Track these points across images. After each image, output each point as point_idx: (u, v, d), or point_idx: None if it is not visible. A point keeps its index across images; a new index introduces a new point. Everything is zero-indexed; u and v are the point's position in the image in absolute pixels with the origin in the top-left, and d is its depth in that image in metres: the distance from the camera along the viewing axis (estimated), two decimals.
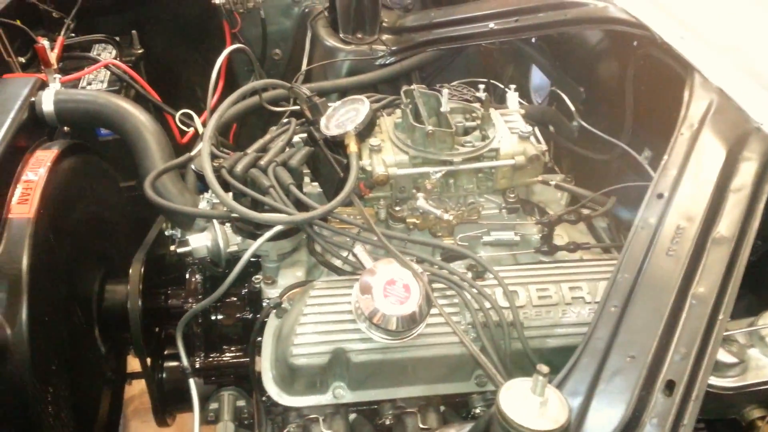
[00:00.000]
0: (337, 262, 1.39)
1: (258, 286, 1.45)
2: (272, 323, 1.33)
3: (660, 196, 1.15)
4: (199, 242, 1.42)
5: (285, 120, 1.60)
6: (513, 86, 1.70)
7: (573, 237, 1.51)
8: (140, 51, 2.12)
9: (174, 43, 2.34)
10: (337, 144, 1.44)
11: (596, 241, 1.53)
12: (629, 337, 0.97)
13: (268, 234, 1.33)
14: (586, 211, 1.49)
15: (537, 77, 2.14)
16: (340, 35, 2.08)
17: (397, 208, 1.44)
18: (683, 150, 1.22)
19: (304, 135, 1.55)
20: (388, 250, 1.23)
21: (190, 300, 1.52)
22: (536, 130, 1.49)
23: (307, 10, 2.23)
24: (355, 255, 1.25)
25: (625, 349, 0.95)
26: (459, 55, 2.04)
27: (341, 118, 1.47)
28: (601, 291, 1.32)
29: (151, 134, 1.57)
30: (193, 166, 1.65)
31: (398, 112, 1.52)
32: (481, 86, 1.58)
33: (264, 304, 1.40)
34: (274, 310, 1.34)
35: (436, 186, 1.39)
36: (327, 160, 1.43)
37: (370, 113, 1.43)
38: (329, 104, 1.52)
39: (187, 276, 1.55)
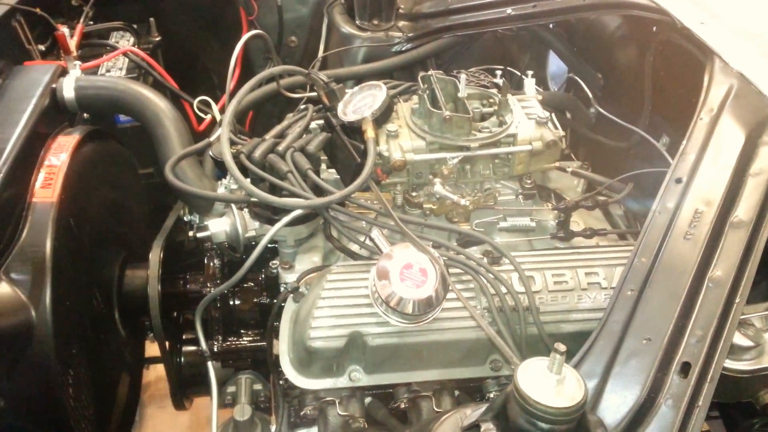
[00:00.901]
0: (354, 247, 1.40)
1: (275, 271, 1.47)
2: (290, 307, 1.34)
3: (678, 180, 1.15)
4: (218, 227, 1.44)
5: (302, 106, 1.61)
6: (530, 72, 1.70)
7: (589, 223, 1.51)
8: (158, 38, 2.13)
9: (191, 31, 2.36)
10: (354, 130, 1.45)
11: (612, 228, 1.53)
12: (645, 319, 0.97)
13: (285, 219, 1.34)
14: (602, 198, 1.48)
15: (554, 64, 2.13)
16: (357, 22, 2.08)
17: (414, 194, 1.45)
18: (702, 135, 1.21)
19: (321, 121, 1.56)
20: (404, 235, 1.24)
21: (209, 285, 1.54)
22: (553, 116, 1.49)
23: None
24: (372, 239, 1.26)
25: (641, 331, 0.95)
26: (475, 42, 2.04)
27: (358, 104, 1.48)
28: (617, 277, 1.33)
29: (171, 120, 1.59)
30: (211, 152, 1.67)
31: (415, 98, 1.52)
32: (498, 72, 1.58)
33: (281, 288, 1.42)
34: (292, 295, 1.36)
35: (453, 171, 1.40)
36: (344, 146, 1.43)
37: (387, 99, 1.43)
38: (346, 90, 1.53)
39: (206, 261, 1.57)
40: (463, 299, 1.18)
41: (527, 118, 1.47)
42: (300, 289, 1.36)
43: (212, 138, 1.50)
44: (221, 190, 1.57)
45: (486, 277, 1.25)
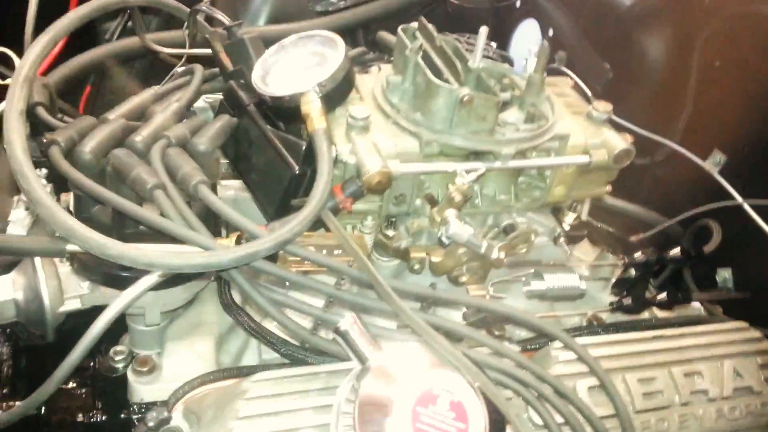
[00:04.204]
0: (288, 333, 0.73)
1: (118, 369, 0.78)
2: None
3: None
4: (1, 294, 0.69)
5: (180, 69, 0.92)
6: (535, 47, 1.13)
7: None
8: None
9: None
10: (282, 113, 0.79)
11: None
12: None
13: (150, 278, 0.64)
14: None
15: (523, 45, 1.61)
16: None
17: (390, 233, 0.81)
18: None
19: (217, 96, 0.89)
20: (414, 328, 0.60)
21: None
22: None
23: None
24: (342, 335, 0.60)
25: None
26: (434, 9, 1.44)
27: (289, 68, 0.82)
28: (729, 379, 0.81)
29: None
30: None
31: (387, 67, 0.88)
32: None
33: (136, 416, 0.72)
34: None
35: (469, 195, 0.77)
36: (266, 141, 0.77)
37: (346, 63, 0.79)
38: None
39: None
40: None
41: (571, 113, 0.90)
42: (172, 422, 0.67)
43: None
44: (19, 212, 0.83)
45: (556, 405, 0.65)
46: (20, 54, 1.01)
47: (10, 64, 1.14)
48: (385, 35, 1.13)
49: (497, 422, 0.58)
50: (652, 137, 1.22)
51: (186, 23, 1.01)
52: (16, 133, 0.59)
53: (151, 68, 1.43)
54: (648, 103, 1.31)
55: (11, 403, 0.80)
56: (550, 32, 1.50)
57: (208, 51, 0.94)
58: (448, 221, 0.73)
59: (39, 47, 0.66)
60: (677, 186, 1.23)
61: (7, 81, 1.06)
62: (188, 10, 0.91)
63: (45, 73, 1.20)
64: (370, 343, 0.60)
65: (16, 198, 0.88)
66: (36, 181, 0.57)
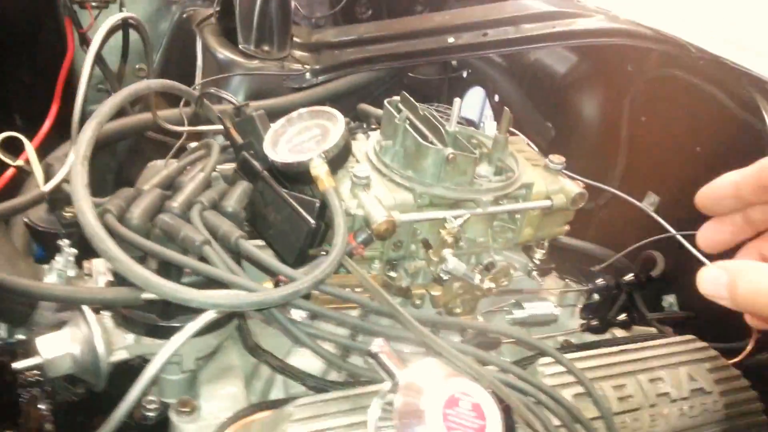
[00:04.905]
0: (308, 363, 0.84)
1: (151, 416, 0.86)
2: None
3: None
4: (56, 349, 0.77)
5: (192, 145, 1.04)
6: (490, 113, 1.31)
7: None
8: None
9: None
10: (291, 177, 0.92)
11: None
12: None
13: (195, 324, 0.74)
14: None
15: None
16: (240, 46, 1.55)
17: (393, 275, 0.94)
18: None
19: (224, 166, 1.01)
20: (433, 346, 0.72)
21: None
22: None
23: (185, 15, 1.66)
24: (374, 357, 0.71)
25: None
26: (401, 79, 1.62)
27: (296, 139, 0.95)
28: (686, 382, 0.95)
29: None
30: (26, 219, 1.03)
31: (375, 134, 1.03)
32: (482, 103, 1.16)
33: None
34: None
35: (458, 238, 0.91)
36: (281, 201, 0.89)
37: (346, 133, 0.93)
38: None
39: (24, 407, 0.88)
40: None
41: (531, 165, 1.06)
42: None
43: (46, 186, 0.86)
44: (51, 278, 0.92)
45: (548, 405, 0.77)
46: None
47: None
48: (365, 107, 1.28)
49: (508, 419, 0.70)
50: (594, 184, 1.41)
51: (182, 102, 1.15)
52: (85, 204, 0.70)
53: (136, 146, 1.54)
54: (588, 154, 1.50)
55: None
56: (496, 98, 1.69)
57: (209, 127, 1.07)
58: (446, 259, 0.87)
59: (90, 131, 0.77)
60: (620, 225, 1.41)
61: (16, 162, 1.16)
62: (197, 94, 1.04)
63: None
64: (397, 362, 0.71)
65: (45, 266, 0.96)
66: (111, 241, 0.67)
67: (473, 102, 1.81)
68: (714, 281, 0.54)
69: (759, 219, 0.63)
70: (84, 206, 0.70)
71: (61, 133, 1.51)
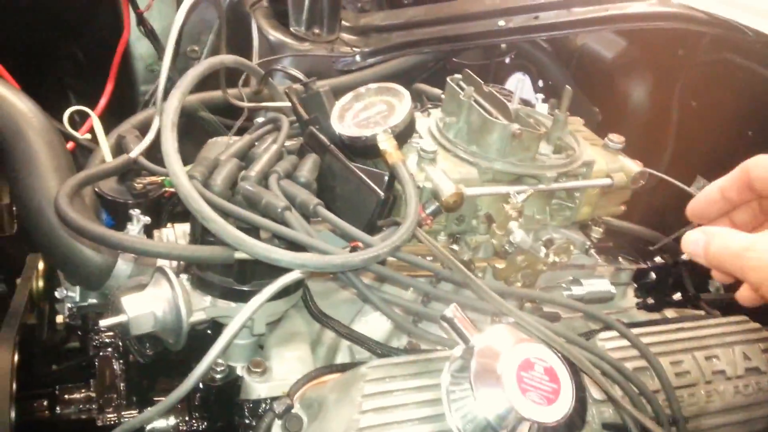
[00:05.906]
0: (377, 328, 0.87)
1: (221, 377, 0.89)
2: None
3: None
4: (140, 308, 0.81)
5: (260, 120, 1.07)
6: (541, 95, 1.32)
7: None
8: None
9: (38, 32, 1.67)
10: (358, 151, 0.95)
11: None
12: None
13: (273, 286, 0.77)
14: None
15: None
16: (292, 29, 1.58)
17: (456, 247, 0.96)
18: None
19: (290, 141, 1.04)
20: (507, 312, 0.74)
21: (107, 408, 0.89)
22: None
23: None
24: (448, 321, 0.74)
25: None
26: (441, 64, 1.63)
27: (362, 115, 0.98)
28: (740, 361, 0.97)
29: (38, 131, 0.95)
30: (96, 188, 1.07)
31: (436, 111, 1.06)
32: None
33: (252, 411, 0.83)
34: (281, 419, 0.78)
35: (522, 211, 0.93)
36: (350, 173, 0.92)
37: (412, 109, 0.95)
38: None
39: (98, 366, 0.92)
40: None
41: (590, 144, 1.08)
42: (293, 410, 0.79)
43: (134, 152, 0.90)
44: None
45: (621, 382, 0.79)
46: None
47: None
48: (421, 86, 1.30)
49: (578, 383, 0.72)
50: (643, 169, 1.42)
51: (241, 80, 1.19)
52: (179, 167, 0.73)
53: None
54: (635, 139, 1.50)
55: (130, 413, 0.90)
56: (540, 83, 1.70)
57: (274, 104, 1.10)
58: (512, 231, 0.89)
59: (176, 100, 0.81)
60: (668, 209, 1.42)
61: (86, 136, 1.20)
62: (263, 72, 1.07)
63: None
64: (470, 327, 0.74)
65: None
66: (205, 204, 0.70)
67: (517, 87, 1.82)
68: (694, 243, 0.64)
69: (742, 220, 0.75)
70: (177, 170, 0.73)
71: (111, 111, 1.55)
